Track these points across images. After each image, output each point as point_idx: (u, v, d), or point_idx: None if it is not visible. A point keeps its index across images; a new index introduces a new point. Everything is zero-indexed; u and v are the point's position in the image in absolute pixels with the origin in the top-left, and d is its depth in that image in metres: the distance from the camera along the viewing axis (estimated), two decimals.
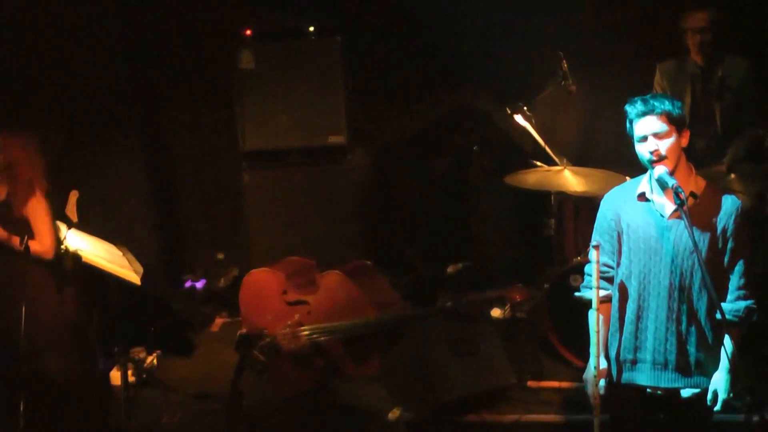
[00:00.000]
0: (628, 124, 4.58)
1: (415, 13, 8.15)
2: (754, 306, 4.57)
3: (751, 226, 4.80)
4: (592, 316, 4.70)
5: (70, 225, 6.67)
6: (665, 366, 4.65)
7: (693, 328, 4.60)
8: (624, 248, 4.74)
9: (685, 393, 4.66)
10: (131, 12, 8.44)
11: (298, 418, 6.70)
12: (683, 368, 4.63)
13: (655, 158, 4.48)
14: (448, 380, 6.33)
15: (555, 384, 6.60)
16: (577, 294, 4.91)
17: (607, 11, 7.79)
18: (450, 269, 8.37)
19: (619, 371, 4.80)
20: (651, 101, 4.49)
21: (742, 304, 4.56)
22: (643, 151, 4.52)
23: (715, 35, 6.69)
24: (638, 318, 4.70)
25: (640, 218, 4.66)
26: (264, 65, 7.95)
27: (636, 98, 4.55)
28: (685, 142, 4.56)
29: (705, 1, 6.79)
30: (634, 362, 4.74)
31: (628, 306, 4.73)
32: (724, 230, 4.57)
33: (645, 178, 4.69)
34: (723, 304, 4.46)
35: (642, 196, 4.66)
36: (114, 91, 8.54)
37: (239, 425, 6.40)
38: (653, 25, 7.57)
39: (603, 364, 4.76)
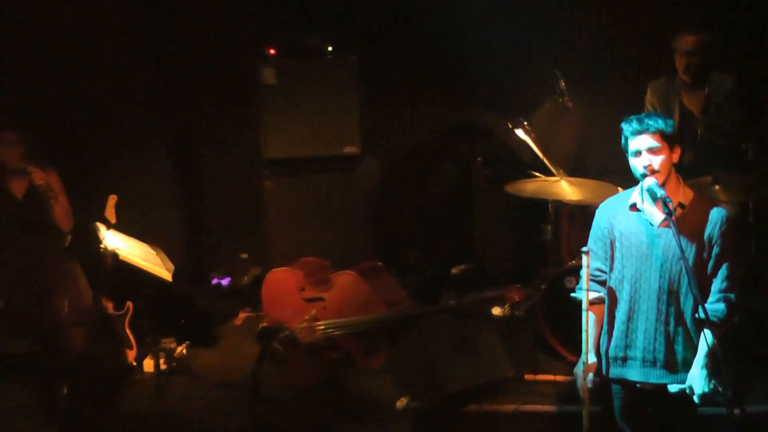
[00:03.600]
0: (623, 140, 4.60)
1: (424, 35, 8.18)
2: (735, 308, 4.56)
3: (736, 234, 4.75)
4: (584, 315, 4.71)
5: (108, 226, 6.80)
6: (654, 363, 4.68)
7: (680, 329, 4.63)
8: (617, 254, 4.76)
9: (672, 388, 4.66)
10: (166, 34, 8.47)
11: (313, 405, 6.66)
12: (671, 365, 4.65)
13: (648, 172, 4.50)
14: (451, 373, 6.29)
15: (550, 377, 6.54)
16: (572, 295, 4.94)
17: (601, 34, 7.80)
18: (454, 270, 8.35)
19: (610, 367, 4.81)
20: (646, 120, 4.51)
21: (722, 306, 4.55)
22: (636, 165, 4.54)
23: (702, 57, 6.66)
24: (629, 318, 4.73)
25: (632, 227, 4.68)
26: (285, 81, 7.94)
27: (632, 117, 4.58)
28: (676, 157, 4.60)
29: (693, 25, 6.75)
30: (625, 359, 4.77)
31: (619, 307, 4.76)
32: (710, 238, 4.57)
33: (636, 189, 4.73)
34: (705, 305, 4.46)
35: (633, 207, 4.71)
36: (149, 105, 8.55)
37: (259, 410, 6.39)
38: (644, 47, 7.58)
39: (592, 360, 4.79)
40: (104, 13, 8.10)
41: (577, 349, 5.23)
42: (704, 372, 4.50)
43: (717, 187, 6.38)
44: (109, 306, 6.90)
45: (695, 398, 4.52)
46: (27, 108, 7.67)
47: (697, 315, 4.51)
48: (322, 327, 6.59)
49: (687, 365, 4.61)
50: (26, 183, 6.46)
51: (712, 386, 4.49)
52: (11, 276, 6.55)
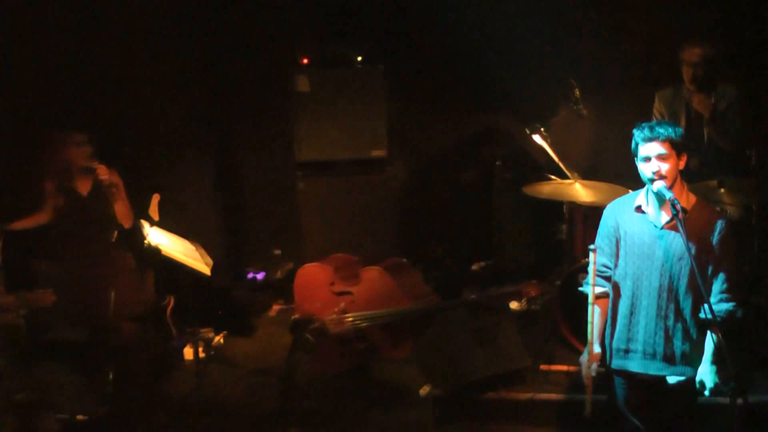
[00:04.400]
0: (633, 145, 4.58)
1: (447, 47, 8.13)
2: (735, 308, 4.57)
3: (739, 235, 4.77)
4: (590, 308, 4.74)
5: (152, 223, 6.71)
6: (654, 356, 4.68)
7: (679, 324, 4.63)
8: (621, 252, 4.75)
9: (671, 380, 4.68)
10: (209, 47, 8.50)
11: (341, 391, 6.68)
12: (669, 358, 4.66)
13: (656, 177, 4.47)
14: (471, 362, 6.32)
15: (564, 368, 6.54)
16: (580, 289, 4.95)
17: (614, 46, 7.75)
18: (474, 267, 8.33)
19: (613, 358, 4.82)
20: (657, 128, 4.50)
21: (724, 306, 4.56)
22: (645, 170, 4.52)
23: (708, 68, 6.62)
24: (631, 313, 4.73)
25: (637, 227, 4.68)
26: (318, 89, 7.99)
27: (644, 124, 4.56)
28: (682, 164, 4.57)
29: (699, 38, 6.74)
30: (627, 351, 4.77)
31: (622, 302, 4.76)
32: (711, 242, 4.56)
33: (642, 192, 4.71)
34: (705, 306, 4.44)
35: (639, 209, 4.68)
36: (192, 112, 8.58)
37: (291, 396, 6.44)
38: (653, 58, 7.52)
39: (597, 350, 4.78)
40: (155, 30, 8.13)
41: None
42: (713, 368, 4.51)
43: (722, 190, 6.35)
44: (153, 298, 6.96)
45: (706, 392, 4.53)
46: (85, 113, 7.75)
47: (701, 315, 4.52)
48: (350, 319, 6.60)
49: (684, 358, 4.62)
50: (91, 181, 6.47)
51: (719, 379, 4.51)
52: (72, 269, 6.58)
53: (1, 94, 7.86)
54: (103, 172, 6.29)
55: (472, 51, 7.88)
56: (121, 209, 6.44)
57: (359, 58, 7.98)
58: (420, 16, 8.15)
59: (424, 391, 6.44)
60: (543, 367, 6.57)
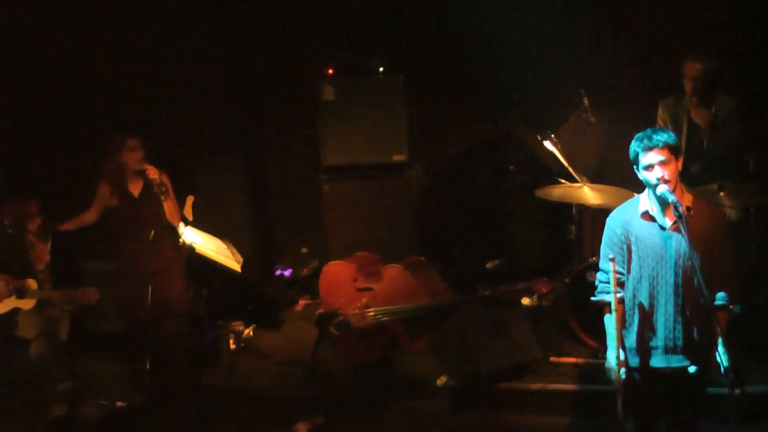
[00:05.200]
0: (633, 155, 4.56)
1: (463, 58, 8.10)
2: (733, 302, 4.57)
3: (737, 235, 4.78)
4: (610, 317, 4.65)
5: (187, 223, 6.77)
6: (675, 350, 4.65)
7: (696, 316, 4.60)
8: (634, 257, 4.69)
9: (691, 369, 4.65)
10: (240, 57, 8.56)
11: (363, 381, 6.71)
12: (689, 349, 4.63)
13: (660, 182, 4.46)
14: (485, 354, 6.33)
15: (573, 360, 6.55)
16: (592, 299, 4.83)
17: (620, 58, 7.71)
18: (489, 265, 8.29)
19: (634, 357, 4.75)
20: (654, 137, 4.48)
21: (725, 293, 4.57)
22: (649, 177, 4.50)
23: (707, 81, 6.59)
24: (651, 313, 4.67)
25: (646, 231, 4.64)
26: (342, 97, 7.94)
27: (641, 134, 4.54)
28: (680, 166, 4.56)
29: (701, 51, 6.72)
30: (648, 349, 4.71)
31: (640, 303, 4.70)
32: (712, 234, 4.56)
33: (644, 196, 4.67)
34: (714, 294, 4.49)
35: (646, 214, 4.64)
36: (225, 119, 8.63)
37: (316, 385, 6.50)
38: (657, 69, 7.48)
39: (621, 355, 4.66)
40: (194, 47, 8.27)
41: (596, 334, 5.22)
42: (724, 350, 4.43)
43: (722, 193, 6.35)
44: (187, 293, 6.94)
45: (722, 370, 4.44)
46: (131, 119, 7.85)
47: (715, 302, 4.51)
48: (372, 313, 6.64)
49: (702, 348, 4.60)
50: (142, 183, 6.50)
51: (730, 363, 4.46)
52: (125, 267, 6.60)
53: (56, 102, 8.01)
54: (153, 173, 6.33)
55: (488, 62, 7.82)
56: (170, 208, 6.46)
57: (381, 69, 7.96)
58: (438, 29, 8.14)
59: (441, 381, 6.48)
60: (553, 359, 6.58)
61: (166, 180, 6.45)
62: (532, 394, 6.25)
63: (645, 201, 4.66)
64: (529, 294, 7.32)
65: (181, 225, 6.72)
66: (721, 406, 5.20)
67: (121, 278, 6.61)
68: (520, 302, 7.39)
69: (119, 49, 8.11)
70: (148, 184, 6.43)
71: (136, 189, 6.57)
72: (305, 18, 8.32)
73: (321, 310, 6.90)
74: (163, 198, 6.37)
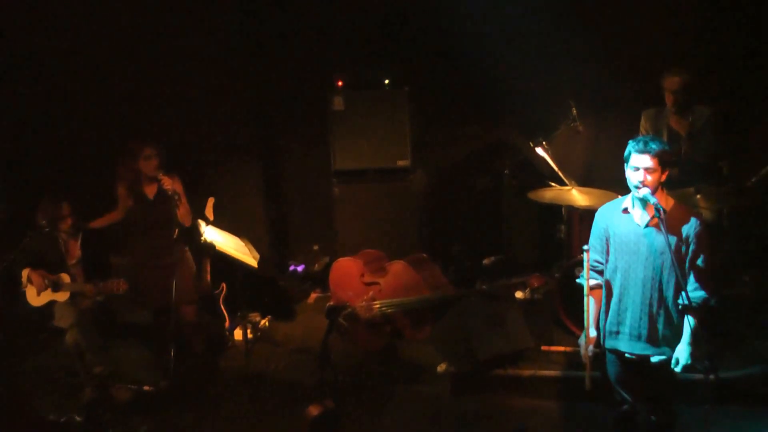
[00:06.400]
0: (627, 153, 4.60)
1: (463, 71, 8.10)
2: (709, 296, 4.60)
3: (712, 235, 4.81)
4: (585, 298, 4.82)
5: (207, 223, 6.79)
6: (639, 338, 4.72)
7: (662, 311, 4.66)
8: (611, 249, 4.79)
9: (654, 359, 4.72)
10: (256, 70, 8.53)
11: (370, 368, 6.74)
12: (652, 340, 4.70)
13: (641, 186, 4.52)
14: (482, 343, 6.36)
15: (562, 348, 6.59)
16: (577, 281, 4.99)
17: (606, 72, 7.64)
18: (485, 261, 8.27)
19: (606, 339, 4.86)
20: (650, 143, 4.53)
21: (699, 293, 4.58)
22: (633, 178, 4.56)
23: (685, 94, 6.61)
24: (620, 301, 4.76)
25: (624, 227, 4.71)
26: (351, 107, 7.89)
27: (640, 138, 4.60)
28: (664, 177, 4.60)
29: (679, 65, 6.73)
30: (617, 333, 4.81)
31: (613, 292, 4.78)
32: (687, 237, 4.59)
33: (628, 197, 4.73)
34: (683, 293, 4.51)
35: (625, 211, 4.71)
36: (242, 126, 8.63)
37: (327, 372, 6.45)
38: (640, 83, 7.42)
39: (593, 333, 4.83)
40: (213, 58, 8.28)
41: (583, 325, 5.24)
42: (689, 348, 4.55)
43: (698, 196, 6.39)
44: (208, 287, 7.04)
45: (678, 368, 4.56)
46: (151, 126, 7.91)
47: (680, 301, 4.55)
48: (378, 305, 6.67)
49: (666, 340, 4.66)
50: (156, 186, 6.55)
51: (692, 360, 4.55)
52: (139, 261, 6.66)
53: (87, 110, 8.05)
54: (167, 183, 6.38)
55: (484, 75, 7.77)
56: (182, 211, 6.50)
57: (387, 82, 7.91)
58: (440, 46, 8.10)
59: (441, 368, 6.52)
60: (544, 347, 6.61)
61: (179, 187, 6.49)
62: (524, 380, 6.29)
63: (628, 200, 4.73)
64: (523, 288, 7.38)
65: (203, 224, 6.75)
66: (696, 389, 5.19)
67: (136, 271, 6.65)
68: (515, 295, 7.43)
69: (150, 66, 8.16)
70: (162, 189, 6.48)
71: (151, 192, 6.61)
72: (318, 35, 8.28)
73: (331, 303, 6.94)
74: (176, 202, 6.41)
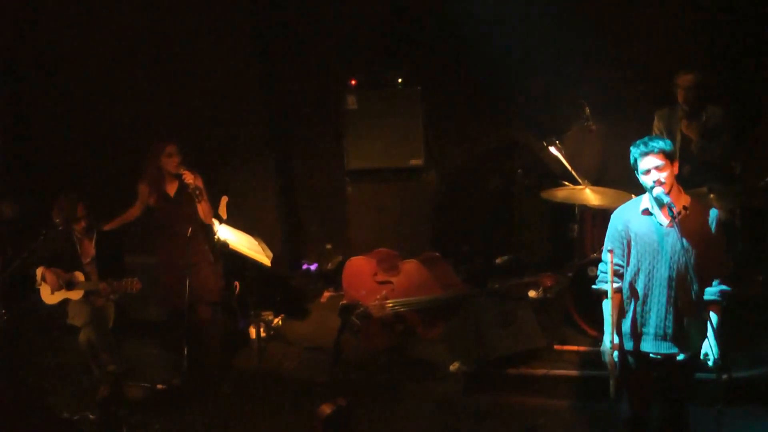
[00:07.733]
0: (632, 161, 4.59)
1: (475, 71, 8.09)
2: (729, 290, 4.58)
3: (725, 234, 4.78)
4: (607, 303, 4.72)
5: (221, 221, 6.79)
6: (665, 337, 4.67)
7: (687, 308, 4.61)
8: (633, 251, 4.72)
9: (680, 356, 4.68)
10: (271, 70, 8.60)
11: (382, 366, 6.74)
12: (678, 338, 4.65)
13: (657, 185, 4.49)
14: (494, 342, 6.36)
15: (574, 348, 6.57)
16: (593, 287, 4.89)
17: (619, 71, 7.65)
18: (498, 260, 8.27)
19: (628, 341, 4.79)
20: (650, 143, 4.51)
21: (719, 288, 4.57)
22: (647, 180, 4.54)
23: (698, 92, 6.60)
24: (644, 302, 4.70)
25: (645, 228, 4.66)
26: (364, 107, 7.91)
27: (638, 141, 4.57)
28: (676, 170, 4.59)
29: (693, 64, 6.72)
30: (641, 335, 4.74)
31: (636, 293, 4.73)
32: (707, 231, 4.57)
33: (645, 197, 4.69)
34: (706, 289, 4.51)
35: (646, 211, 4.66)
36: (257, 126, 8.68)
37: (339, 370, 6.52)
38: (653, 82, 7.42)
39: (615, 340, 4.74)
40: (230, 61, 8.37)
41: (595, 324, 5.21)
42: (716, 342, 4.49)
43: (711, 195, 6.35)
44: (221, 285, 6.96)
45: (710, 363, 4.50)
46: (166, 126, 7.92)
47: (705, 297, 4.53)
48: (390, 304, 6.66)
49: (691, 338, 4.63)
50: (177, 184, 6.55)
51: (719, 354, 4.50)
52: (161, 257, 6.67)
53: (104, 110, 8.09)
54: (189, 178, 6.38)
55: (498, 75, 7.78)
56: (203, 208, 6.50)
57: (400, 81, 7.93)
58: (453, 45, 8.10)
59: (453, 367, 6.51)
60: (556, 346, 6.59)
61: (200, 183, 6.48)
62: (537, 379, 6.27)
63: (645, 201, 4.69)
64: (535, 287, 7.34)
65: (216, 223, 6.75)
66: (709, 389, 5.15)
67: (159, 270, 6.67)
68: (527, 295, 7.39)
69: (165, 66, 8.22)
70: (183, 186, 6.48)
71: (172, 190, 6.62)
72: (332, 35, 8.31)
73: (344, 302, 6.93)
74: (197, 200, 6.41)
